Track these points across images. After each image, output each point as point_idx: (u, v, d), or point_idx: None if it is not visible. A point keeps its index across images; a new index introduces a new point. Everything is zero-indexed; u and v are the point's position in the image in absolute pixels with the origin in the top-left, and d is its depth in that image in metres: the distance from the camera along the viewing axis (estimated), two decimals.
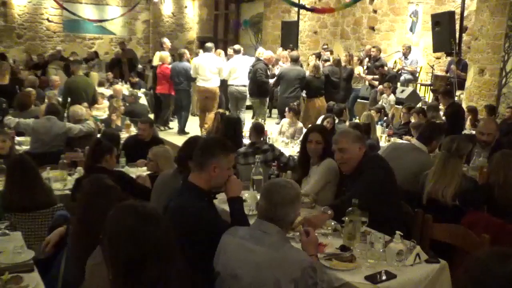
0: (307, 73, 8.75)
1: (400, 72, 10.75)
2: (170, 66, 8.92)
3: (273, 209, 2.22)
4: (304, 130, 6.74)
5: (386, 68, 10.17)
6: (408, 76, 10.64)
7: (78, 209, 2.31)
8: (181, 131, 8.88)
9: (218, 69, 8.60)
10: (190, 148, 3.24)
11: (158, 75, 9.11)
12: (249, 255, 2.16)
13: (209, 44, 8.93)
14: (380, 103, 9.00)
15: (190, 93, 9.17)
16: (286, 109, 7.02)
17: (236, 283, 2.14)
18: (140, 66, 14.92)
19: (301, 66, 9.70)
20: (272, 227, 2.21)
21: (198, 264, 2.28)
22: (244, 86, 8.62)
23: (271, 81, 8.88)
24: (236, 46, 9.31)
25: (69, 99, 7.54)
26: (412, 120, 7.21)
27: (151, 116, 9.05)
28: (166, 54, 9.17)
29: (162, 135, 7.65)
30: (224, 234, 2.33)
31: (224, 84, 8.93)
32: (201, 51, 9.89)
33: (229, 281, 2.16)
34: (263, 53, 8.76)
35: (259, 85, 8.37)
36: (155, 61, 9.40)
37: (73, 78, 7.88)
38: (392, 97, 9.08)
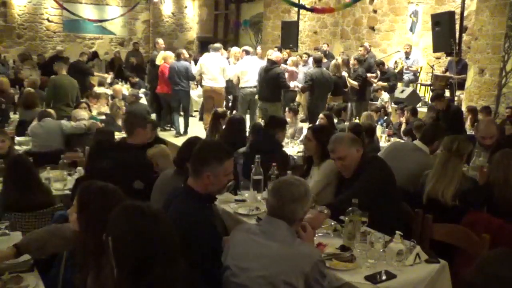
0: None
1: (401, 72, 10.75)
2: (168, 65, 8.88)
3: (282, 207, 2.24)
4: (305, 130, 6.77)
5: (386, 67, 10.21)
6: (412, 76, 10.65)
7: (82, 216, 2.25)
8: (185, 132, 8.82)
9: (221, 69, 8.57)
10: (190, 149, 3.23)
11: (159, 75, 9.03)
12: (261, 249, 2.18)
13: (217, 45, 8.87)
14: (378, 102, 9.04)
15: (190, 93, 9.13)
16: (287, 109, 7.01)
17: (246, 275, 2.14)
18: None
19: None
20: (282, 223, 2.23)
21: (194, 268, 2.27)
22: (256, 87, 8.58)
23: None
24: (247, 48, 9.23)
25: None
26: (402, 119, 7.26)
27: (152, 116, 9.04)
28: (169, 54, 9.05)
29: (162, 135, 7.64)
30: (233, 231, 2.37)
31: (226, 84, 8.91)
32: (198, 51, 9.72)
33: (239, 274, 2.17)
34: (266, 53, 8.66)
35: (279, 90, 8.18)
36: (159, 61, 9.21)
37: (58, 77, 7.67)
38: (385, 95, 9.10)
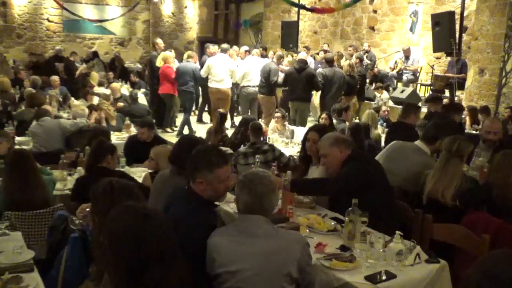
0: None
1: (401, 72, 10.77)
2: (172, 66, 8.80)
3: (261, 202, 2.23)
4: (297, 131, 6.77)
5: (376, 69, 10.40)
6: (411, 76, 10.66)
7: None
8: (180, 133, 8.79)
9: (231, 71, 8.57)
10: (181, 148, 3.23)
11: (160, 76, 8.93)
12: (248, 248, 2.15)
13: (224, 45, 8.92)
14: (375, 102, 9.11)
15: (194, 95, 9.08)
16: (278, 114, 6.92)
17: (238, 278, 2.11)
18: (139, 66, 14.93)
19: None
20: (259, 218, 2.23)
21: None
22: (258, 86, 8.69)
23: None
24: (247, 47, 9.31)
25: None
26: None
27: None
28: (169, 54, 8.98)
29: (164, 136, 7.60)
30: (210, 238, 2.27)
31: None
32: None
33: (230, 278, 2.14)
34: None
35: (311, 90, 8.27)
36: (159, 62, 9.08)
37: None
38: (385, 95, 9.13)
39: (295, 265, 2.13)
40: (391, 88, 10.99)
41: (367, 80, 10.65)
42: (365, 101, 9.92)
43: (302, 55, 8.58)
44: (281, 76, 8.49)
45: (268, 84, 8.43)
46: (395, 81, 11.04)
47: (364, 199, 2.78)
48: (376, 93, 9.39)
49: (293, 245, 2.17)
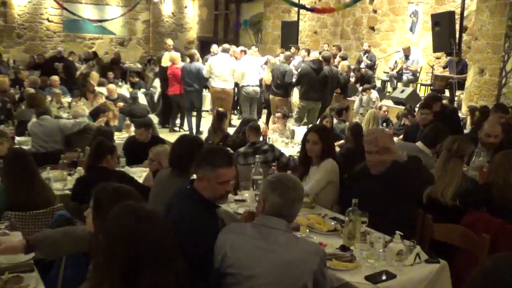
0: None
1: (401, 72, 10.77)
2: (179, 66, 8.82)
3: (290, 206, 2.19)
4: (298, 130, 6.78)
5: (363, 70, 10.48)
6: (411, 76, 10.66)
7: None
8: (197, 132, 8.77)
9: (232, 70, 8.63)
10: (181, 152, 3.23)
11: (169, 76, 8.92)
12: (266, 254, 2.09)
13: (226, 45, 8.99)
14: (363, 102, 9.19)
15: (202, 94, 9.11)
16: (279, 114, 6.92)
17: (251, 283, 2.07)
18: (139, 65, 14.92)
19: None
20: (282, 223, 2.17)
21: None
22: (258, 85, 8.76)
23: None
24: (243, 47, 9.40)
25: None
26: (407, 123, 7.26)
27: (153, 116, 9.01)
28: (176, 55, 8.98)
29: (166, 136, 7.60)
30: (224, 233, 2.24)
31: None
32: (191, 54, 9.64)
33: (243, 282, 2.09)
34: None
35: (325, 89, 8.38)
36: (164, 62, 9.11)
37: None
38: (374, 95, 9.17)
39: (311, 277, 2.07)
40: (391, 88, 11.00)
41: (352, 80, 10.79)
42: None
43: (314, 54, 8.59)
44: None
45: (283, 85, 8.46)
46: (395, 81, 11.04)
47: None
48: (363, 94, 9.39)
49: (312, 257, 2.09)
